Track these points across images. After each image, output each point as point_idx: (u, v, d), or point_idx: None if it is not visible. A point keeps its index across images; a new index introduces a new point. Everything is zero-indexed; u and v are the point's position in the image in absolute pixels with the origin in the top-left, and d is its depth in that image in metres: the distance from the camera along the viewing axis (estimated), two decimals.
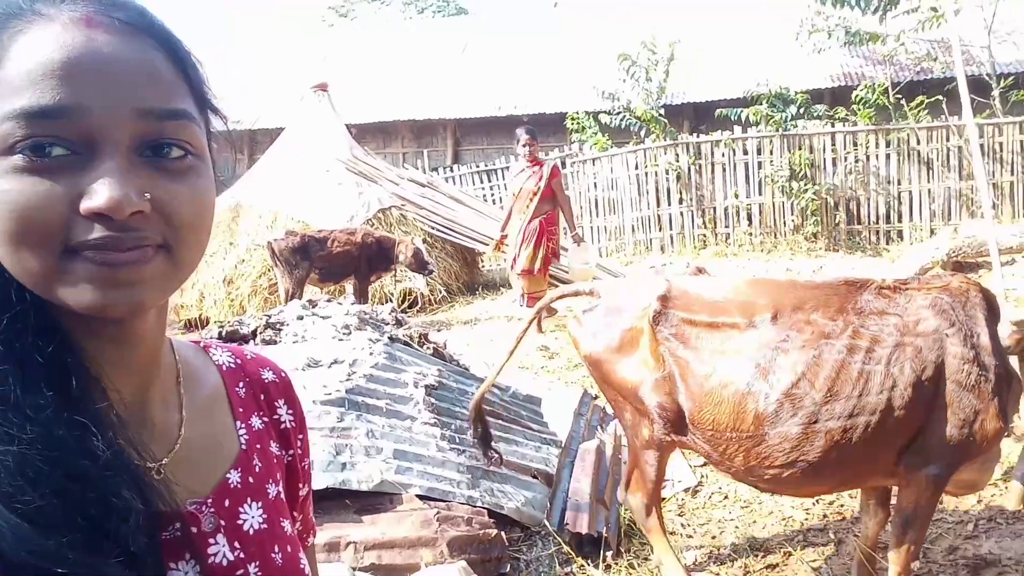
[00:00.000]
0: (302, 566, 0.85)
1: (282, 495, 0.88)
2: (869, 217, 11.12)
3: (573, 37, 17.01)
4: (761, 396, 2.62)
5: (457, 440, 3.63)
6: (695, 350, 2.75)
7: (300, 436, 0.94)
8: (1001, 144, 10.58)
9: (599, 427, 4.70)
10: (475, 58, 17.36)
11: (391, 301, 8.57)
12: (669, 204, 11.81)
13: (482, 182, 13.89)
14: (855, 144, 11.03)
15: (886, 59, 12.11)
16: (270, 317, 4.10)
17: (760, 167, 11.32)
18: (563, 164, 12.52)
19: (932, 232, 10.80)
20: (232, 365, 0.90)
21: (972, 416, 2.70)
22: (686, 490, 4.09)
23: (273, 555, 0.82)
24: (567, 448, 4.19)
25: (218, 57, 15.80)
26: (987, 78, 11.31)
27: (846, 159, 11.02)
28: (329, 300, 5.02)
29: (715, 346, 2.74)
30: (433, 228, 9.40)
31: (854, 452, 2.62)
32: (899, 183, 10.99)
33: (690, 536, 3.69)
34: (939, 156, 10.83)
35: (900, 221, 11.03)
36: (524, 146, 7.14)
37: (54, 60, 0.60)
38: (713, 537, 3.70)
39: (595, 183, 12.38)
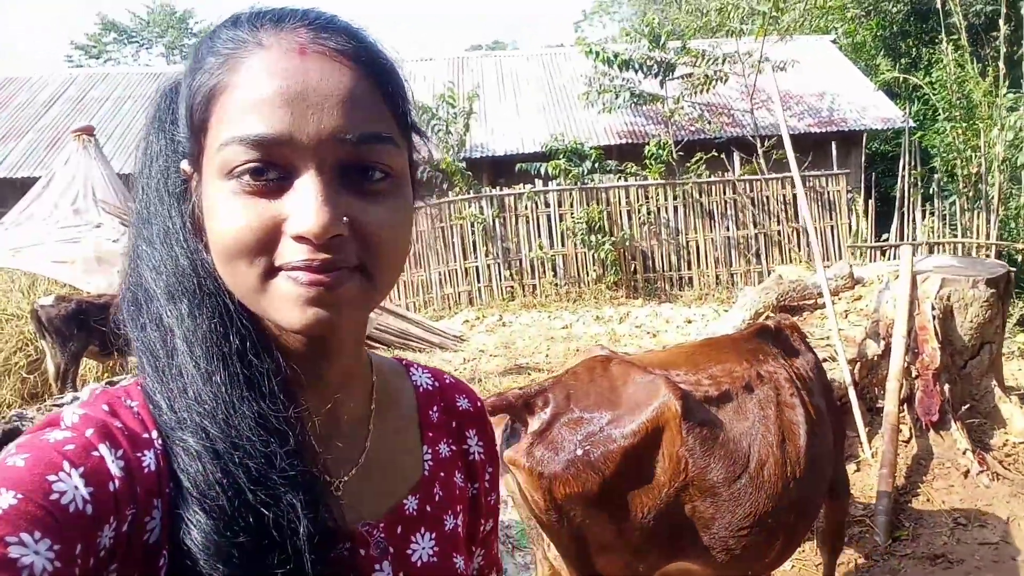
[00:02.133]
0: None
1: (460, 528, 0.84)
2: (662, 265, 11.78)
3: None
4: (792, 460, 2.32)
5: None
6: (722, 433, 2.25)
7: (489, 469, 0.91)
8: (767, 197, 11.73)
9: None
10: None
11: None
12: (476, 256, 11.73)
13: None
14: (647, 197, 11.69)
15: (666, 119, 13.06)
16: (61, 408, 3.21)
17: (561, 219, 11.62)
18: None
19: (717, 278, 11.67)
20: (430, 387, 0.89)
21: (842, 437, 2.93)
22: None
23: None
24: None
25: None
26: (751, 139, 12.57)
27: (639, 211, 11.64)
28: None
29: (736, 423, 2.29)
30: None
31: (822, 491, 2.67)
32: (686, 233, 11.78)
33: None
34: (718, 208, 11.78)
35: (689, 268, 11.80)
36: None
37: (270, 89, 0.63)
38: None
39: None
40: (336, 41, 0.66)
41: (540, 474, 2.07)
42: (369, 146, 0.66)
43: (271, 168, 0.63)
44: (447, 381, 0.93)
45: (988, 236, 10.88)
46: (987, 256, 10.69)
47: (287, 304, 0.63)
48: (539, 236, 11.66)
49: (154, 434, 0.64)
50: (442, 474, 0.85)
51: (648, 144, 12.14)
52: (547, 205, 11.66)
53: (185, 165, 0.70)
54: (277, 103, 0.62)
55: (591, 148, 12.44)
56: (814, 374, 2.64)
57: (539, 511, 2.14)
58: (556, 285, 11.53)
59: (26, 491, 0.54)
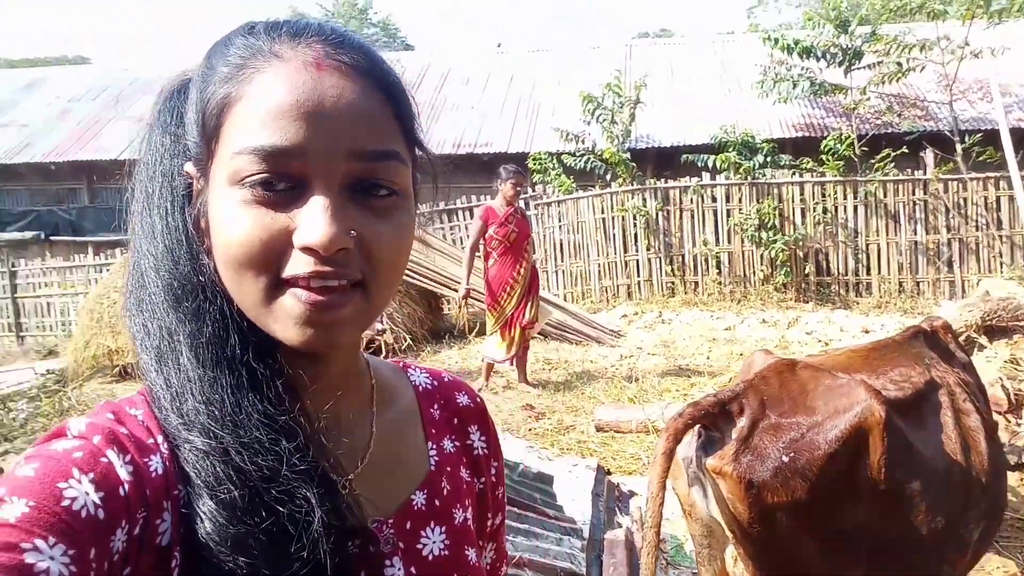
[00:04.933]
0: None
1: (470, 522, 0.85)
2: (838, 268, 11.00)
3: (531, 76, 16.75)
4: (977, 469, 2.28)
5: None
6: (915, 441, 2.16)
7: (494, 464, 0.92)
8: (965, 199, 10.64)
9: (617, 510, 4.14)
10: (432, 95, 16.88)
11: None
12: (636, 250, 11.48)
13: (442, 222, 13.29)
14: (823, 195, 10.95)
15: (849, 111, 12.14)
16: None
17: (729, 215, 11.12)
18: (526, 205, 12.09)
19: (900, 285, 10.75)
20: (429, 386, 0.91)
21: None
22: None
23: None
24: (591, 539, 3.60)
25: None
26: (948, 134, 11.43)
27: (814, 209, 10.91)
28: None
29: (922, 430, 2.22)
30: None
31: None
32: (866, 235, 10.93)
33: None
34: (905, 209, 10.83)
35: (868, 273, 10.95)
36: (515, 186, 6.52)
37: (286, 102, 0.63)
38: None
39: (560, 226, 11.96)
40: (351, 57, 0.67)
41: (749, 482, 1.97)
42: (380, 163, 0.67)
43: (282, 179, 0.63)
44: (445, 379, 0.93)
45: None
46: None
47: (288, 321, 0.64)
48: (704, 231, 11.23)
49: (159, 438, 0.64)
50: (448, 469, 0.85)
51: (827, 138, 11.33)
52: (714, 199, 11.20)
53: (191, 168, 0.70)
54: (292, 115, 0.63)
55: (763, 141, 11.80)
56: (972, 378, 2.54)
57: (742, 523, 2.04)
58: (720, 284, 11.07)
59: (38, 499, 0.55)
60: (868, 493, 2.08)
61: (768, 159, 11.65)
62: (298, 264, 0.63)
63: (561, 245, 11.93)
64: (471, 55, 18.56)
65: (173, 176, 0.71)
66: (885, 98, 12.44)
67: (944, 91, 11.94)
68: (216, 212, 0.66)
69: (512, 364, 6.77)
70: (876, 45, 11.76)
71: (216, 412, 0.64)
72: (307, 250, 0.63)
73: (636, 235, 11.45)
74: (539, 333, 8.55)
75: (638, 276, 11.46)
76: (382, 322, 7.10)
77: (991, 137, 11.52)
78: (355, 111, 0.65)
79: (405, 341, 8.30)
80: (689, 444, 2.18)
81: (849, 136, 11.23)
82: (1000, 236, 10.54)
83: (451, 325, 9.17)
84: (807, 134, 12.93)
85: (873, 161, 11.10)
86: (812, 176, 11.10)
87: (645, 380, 6.87)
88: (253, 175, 0.63)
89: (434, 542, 0.80)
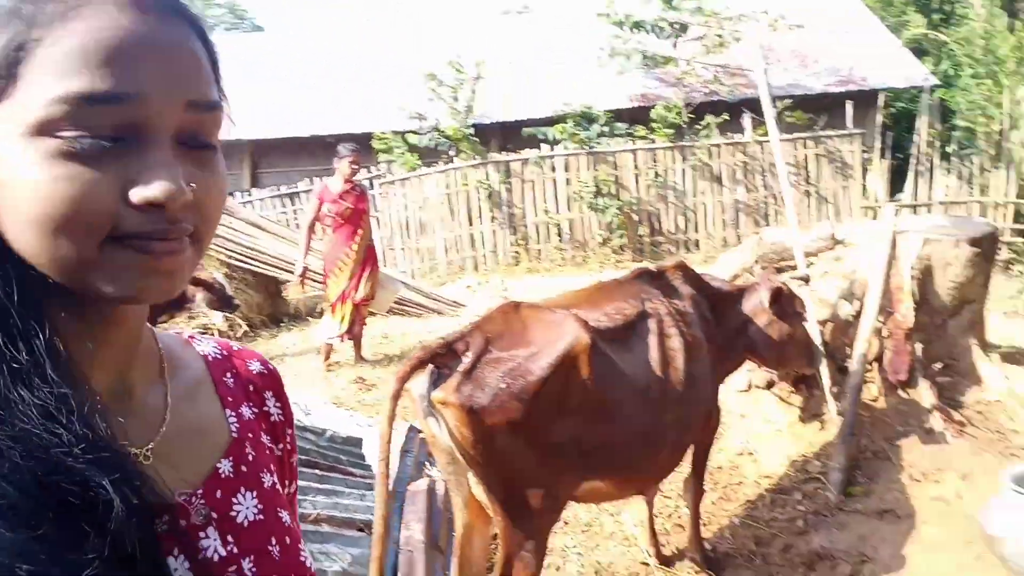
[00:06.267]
0: (303, 559, 0.81)
1: (278, 486, 0.83)
2: (669, 228, 11.66)
3: (375, 56, 16.61)
4: (673, 380, 2.73)
5: None
6: (619, 361, 2.56)
7: (289, 431, 0.91)
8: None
9: (427, 463, 4.33)
10: (273, 77, 16.41)
11: None
12: (481, 223, 11.72)
13: (284, 206, 13.04)
14: (655, 160, 11.55)
15: (678, 81, 12.82)
16: None
17: (568, 184, 11.53)
18: (371, 184, 12.05)
19: (725, 241, 11.53)
20: (219, 356, 0.87)
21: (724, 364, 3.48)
22: None
23: (270, 548, 0.77)
24: (395, 492, 3.76)
25: None
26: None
27: (647, 175, 11.50)
28: None
29: (628, 351, 2.64)
30: (231, 257, 8.56)
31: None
32: (694, 196, 11.63)
33: None
34: (727, 171, 11.60)
35: (696, 231, 11.67)
36: (352, 163, 6.55)
37: (112, 44, 0.57)
38: (557, 568, 3.44)
39: (405, 204, 12.03)
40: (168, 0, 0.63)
41: (469, 408, 2.23)
42: (210, 114, 0.64)
43: (110, 129, 0.57)
44: (235, 348, 0.90)
45: (1006, 195, 10.57)
46: (1004, 215, 10.41)
47: (127, 275, 0.60)
48: (545, 201, 11.60)
49: None
50: (250, 435, 0.83)
51: (655, 107, 11.96)
52: (553, 170, 11.57)
53: None
54: (117, 59, 0.57)
55: (601, 111, 12.28)
56: (694, 309, 3.04)
57: (468, 446, 2.30)
58: (562, 250, 11.49)
59: None
60: (578, 408, 2.41)
61: (606, 129, 12.13)
62: (134, 220, 0.59)
63: (407, 223, 12.01)
64: (319, 35, 18.15)
65: None
66: (710, 68, 13.19)
67: (761, 60, 12.78)
68: (13, 167, 0.57)
69: (346, 340, 6.82)
70: (700, 18, 12.46)
71: None
72: (151, 205, 0.58)
73: (480, 208, 11.68)
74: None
75: (483, 248, 11.71)
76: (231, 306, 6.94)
77: (805, 103, 12.46)
78: (189, 58, 0.62)
79: (241, 328, 8.16)
80: (423, 382, 2.39)
81: (676, 105, 11.87)
82: (808, 191, 11.49)
83: (291, 309, 9.08)
84: (643, 104, 13.53)
85: (699, 127, 11.81)
86: (644, 144, 11.68)
87: None
88: (76, 124, 0.56)
89: (247, 508, 0.77)
